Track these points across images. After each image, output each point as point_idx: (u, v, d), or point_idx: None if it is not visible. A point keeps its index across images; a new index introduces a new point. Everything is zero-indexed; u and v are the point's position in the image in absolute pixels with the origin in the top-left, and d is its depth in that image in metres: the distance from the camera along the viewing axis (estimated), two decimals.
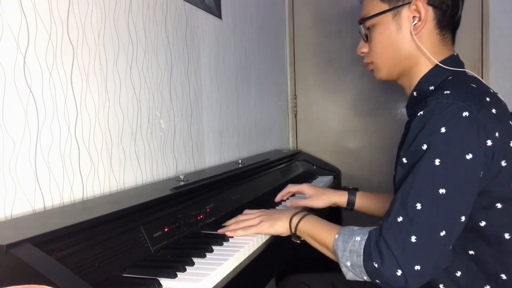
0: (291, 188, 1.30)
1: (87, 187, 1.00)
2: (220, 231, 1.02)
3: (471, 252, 0.84)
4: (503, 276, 0.83)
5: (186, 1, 1.43)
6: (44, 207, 0.89)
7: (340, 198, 1.27)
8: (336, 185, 2.09)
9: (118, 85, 1.11)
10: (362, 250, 0.80)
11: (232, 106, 1.78)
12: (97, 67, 1.04)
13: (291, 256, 1.29)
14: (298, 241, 0.99)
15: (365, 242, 0.81)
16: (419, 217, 0.76)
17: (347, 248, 0.83)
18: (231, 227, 1.02)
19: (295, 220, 0.98)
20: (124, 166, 1.13)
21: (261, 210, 1.08)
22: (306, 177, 1.92)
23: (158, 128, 1.28)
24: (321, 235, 0.92)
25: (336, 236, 0.87)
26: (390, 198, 1.20)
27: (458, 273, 0.85)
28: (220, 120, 1.67)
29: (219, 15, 1.67)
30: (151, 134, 1.24)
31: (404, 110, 2.29)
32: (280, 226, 1.00)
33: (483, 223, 0.81)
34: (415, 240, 0.75)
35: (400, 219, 0.77)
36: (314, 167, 2.15)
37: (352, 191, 1.28)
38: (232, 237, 0.99)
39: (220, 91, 1.68)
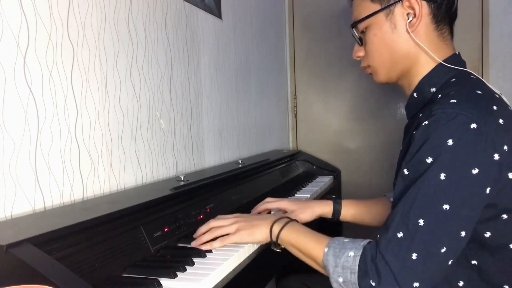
0: (269, 205, 1.16)
1: (87, 187, 1.00)
2: (193, 244, 0.93)
3: (474, 262, 0.81)
4: (506, 287, 0.81)
5: (186, 1, 1.43)
6: (44, 207, 0.89)
7: (324, 208, 1.18)
8: (336, 185, 2.09)
9: (118, 85, 1.11)
10: (356, 267, 0.75)
11: (232, 106, 1.78)
12: (97, 67, 1.04)
13: (291, 257, 1.29)
14: (278, 250, 0.92)
15: (360, 258, 0.76)
16: (421, 234, 0.72)
17: (339, 264, 0.78)
18: (205, 238, 0.93)
19: (276, 228, 0.91)
20: (124, 166, 1.13)
21: (235, 214, 1.01)
22: (306, 177, 1.92)
23: (158, 128, 1.28)
24: (307, 247, 0.86)
25: (326, 250, 0.81)
26: (376, 204, 1.19)
27: (461, 283, 0.82)
28: (220, 120, 1.67)
29: (219, 15, 1.67)
30: (151, 134, 1.24)
31: (404, 110, 2.29)
32: (259, 234, 0.93)
33: (487, 234, 0.79)
34: (415, 257, 0.72)
35: (400, 234, 0.73)
36: (314, 167, 2.15)
37: (337, 200, 1.20)
38: (210, 251, 0.90)
39: (220, 91, 1.68)
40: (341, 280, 0.78)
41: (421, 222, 0.73)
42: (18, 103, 0.84)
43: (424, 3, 0.87)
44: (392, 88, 2.29)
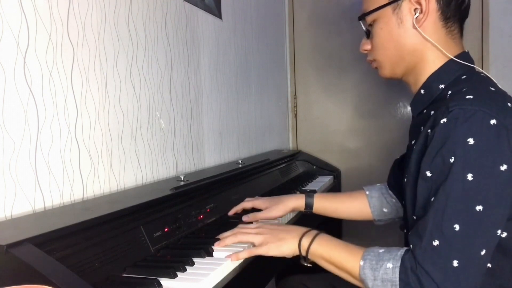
0: (245, 204, 1.19)
1: (87, 187, 1.00)
2: (216, 244, 0.92)
3: (488, 265, 0.78)
4: None
5: (186, 1, 1.43)
6: (44, 207, 0.89)
7: (297, 202, 1.19)
8: (336, 185, 2.09)
9: (118, 85, 1.11)
10: (397, 279, 0.74)
11: (232, 106, 1.78)
12: (97, 67, 1.04)
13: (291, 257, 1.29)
14: (310, 265, 0.89)
15: (399, 269, 0.74)
16: (458, 240, 0.71)
17: (378, 277, 0.76)
18: (228, 240, 0.92)
19: (305, 243, 0.88)
20: (124, 166, 1.13)
21: (259, 224, 0.98)
22: (306, 177, 1.92)
23: (158, 128, 1.28)
24: (340, 260, 0.83)
25: (361, 263, 0.79)
26: (350, 197, 1.21)
27: None
28: (220, 120, 1.67)
29: (219, 15, 1.67)
30: (151, 134, 1.24)
31: (404, 110, 2.30)
32: (287, 248, 0.89)
33: (504, 234, 0.76)
34: (457, 265, 0.70)
35: (436, 242, 0.72)
36: (314, 167, 2.15)
37: (309, 193, 1.22)
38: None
39: (220, 91, 1.68)
40: None
41: (457, 227, 0.71)
42: (18, 103, 0.84)
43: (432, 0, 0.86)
44: (393, 87, 2.29)
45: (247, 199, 1.22)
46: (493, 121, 0.71)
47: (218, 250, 0.91)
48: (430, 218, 0.74)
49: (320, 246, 0.87)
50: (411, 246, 0.76)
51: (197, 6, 1.50)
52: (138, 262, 0.83)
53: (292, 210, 1.20)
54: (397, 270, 0.74)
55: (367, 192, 1.20)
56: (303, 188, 1.69)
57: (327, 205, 1.21)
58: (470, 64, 0.87)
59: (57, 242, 0.69)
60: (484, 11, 2.08)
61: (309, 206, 1.20)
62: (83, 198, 0.99)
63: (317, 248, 0.87)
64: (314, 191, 1.25)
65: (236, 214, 1.19)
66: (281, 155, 1.93)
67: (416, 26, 0.87)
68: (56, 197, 0.92)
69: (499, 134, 0.71)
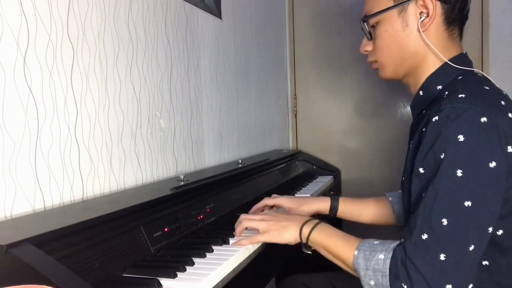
0: (268, 201, 1.17)
1: (87, 187, 1.00)
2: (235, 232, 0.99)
3: (485, 262, 0.79)
4: None
5: (186, 1, 1.43)
6: (44, 207, 0.89)
7: (322, 204, 1.18)
8: (336, 185, 2.09)
9: (118, 85, 1.11)
10: (387, 270, 0.76)
11: (232, 106, 1.78)
12: (97, 67, 1.04)
13: (291, 257, 1.29)
14: (309, 252, 0.92)
15: (390, 261, 0.76)
16: (446, 234, 0.72)
17: (370, 266, 0.78)
18: (237, 230, 0.98)
19: (306, 230, 0.91)
20: (124, 166, 1.13)
21: (264, 212, 1.03)
22: (306, 177, 1.92)
23: (158, 128, 1.28)
24: (337, 249, 0.86)
25: (356, 253, 0.81)
26: (374, 202, 1.20)
27: (470, 285, 0.79)
28: (220, 120, 1.67)
29: (219, 15, 1.67)
30: (151, 134, 1.24)
31: (404, 110, 2.30)
32: (288, 235, 0.93)
33: (499, 232, 0.77)
34: (444, 258, 0.71)
35: (424, 236, 0.73)
36: (314, 167, 2.15)
37: (335, 196, 1.21)
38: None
39: (220, 91, 1.68)
40: (372, 283, 0.78)
41: (445, 221, 0.72)
42: (18, 103, 0.84)
43: (438, 4, 0.86)
44: (392, 88, 2.29)
45: (266, 197, 1.19)
46: (483, 119, 0.72)
47: (219, 249, 0.91)
48: (420, 212, 0.75)
49: (319, 235, 0.90)
50: (402, 239, 0.78)
51: (197, 6, 1.50)
52: (138, 262, 0.83)
53: (316, 213, 1.19)
54: (388, 262, 0.76)
55: (390, 198, 1.19)
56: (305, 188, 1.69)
57: (352, 209, 1.20)
58: (465, 68, 0.88)
59: (57, 242, 0.69)
60: (484, 11, 2.08)
61: (334, 209, 1.19)
62: (83, 198, 0.99)
63: (317, 236, 0.90)
64: (338, 195, 1.23)
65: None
66: (281, 155, 1.93)
67: (421, 30, 0.87)
68: (56, 197, 0.92)
69: (490, 132, 0.72)
